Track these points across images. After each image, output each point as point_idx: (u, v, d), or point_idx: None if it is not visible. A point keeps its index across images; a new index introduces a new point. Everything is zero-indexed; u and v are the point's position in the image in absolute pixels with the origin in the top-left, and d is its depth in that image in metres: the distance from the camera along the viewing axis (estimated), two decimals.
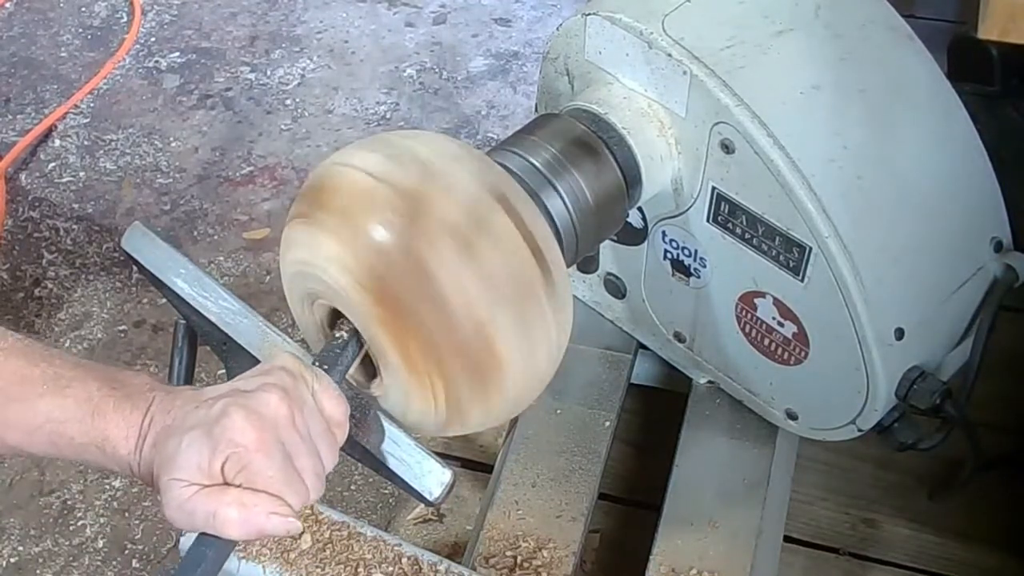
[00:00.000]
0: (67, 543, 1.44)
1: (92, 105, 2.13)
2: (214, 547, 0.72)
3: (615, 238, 1.13)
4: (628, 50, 1.03)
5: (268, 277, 1.78)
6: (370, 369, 0.88)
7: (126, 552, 1.43)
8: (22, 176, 1.98)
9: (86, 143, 2.05)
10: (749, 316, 1.10)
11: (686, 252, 1.11)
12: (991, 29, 0.98)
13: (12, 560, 1.43)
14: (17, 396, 0.76)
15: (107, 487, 1.50)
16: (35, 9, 2.36)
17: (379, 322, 0.82)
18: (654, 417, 1.39)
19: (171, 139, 2.05)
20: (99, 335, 1.70)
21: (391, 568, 1.03)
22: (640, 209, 1.11)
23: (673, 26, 1.01)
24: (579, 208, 1.00)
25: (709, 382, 1.24)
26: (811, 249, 0.98)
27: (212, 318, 0.92)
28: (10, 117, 2.10)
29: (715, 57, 0.99)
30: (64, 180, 1.97)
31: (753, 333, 1.11)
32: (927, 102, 1.07)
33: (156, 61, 2.22)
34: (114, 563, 1.42)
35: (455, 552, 1.31)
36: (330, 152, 1.16)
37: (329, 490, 1.43)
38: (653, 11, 1.02)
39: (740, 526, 1.13)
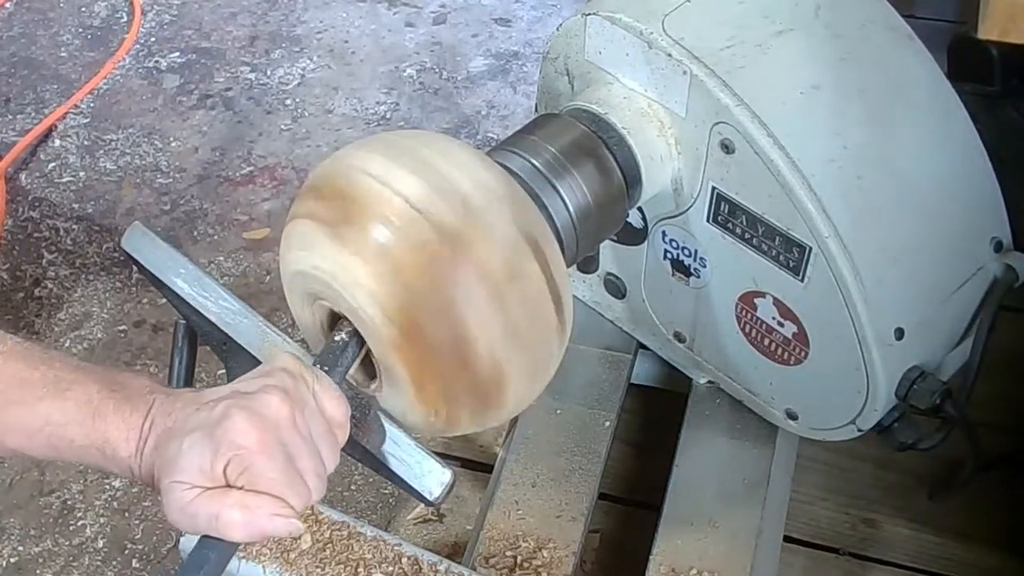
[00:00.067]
0: (67, 543, 1.44)
1: (92, 105, 2.13)
2: (217, 549, 0.72)
3: (615, 238, 1.13)
4: (628, 50, 1.03)
5: (268, 277, 1.78)
6: (369, 369, 0.88)
7: (126, 552, 1.43)
8: (22, 176, 1.98)
9: (86, 143, 2.05)
10: (749, 316, 1.10)
11: (686, 252, 1.11)
12: (991, 29, 0.98)
13: (12, 560, 1.43)
14: (17, 399, 0.76)
15: (107, 487, 1.50)
16: (35, 9, 2.36)
17: (398, 350, 0.82)
18: (654, 417, 1.39)
19: (171, 139, 2.05)
20: (99, 335, 1.70)
21: (391, 568, 1.03)
22: (640, 209, 1.11)
23: (673, 26, 1.01)
24: (579, 208, 1.00)
25: (709, 382, 1.24)
26: (811, 249, 0.98)
27: (212, 318, 0.92)
28: (10, 117, 2.10)
29: (715, 57, 0.99)
30: (64, 180, 1.97)
31: (753, 333, 1.11)
32: (927, 102, 1.07)
33: (156, 61, 2.22)
34: (114, 563, 1.42)
35: (455, 552, 1.31)
36: (330, 152, 1.15)
37: (329, 490, 1.41)
38: (653, 11, 1.02)
39: (740, 526, 1.13)
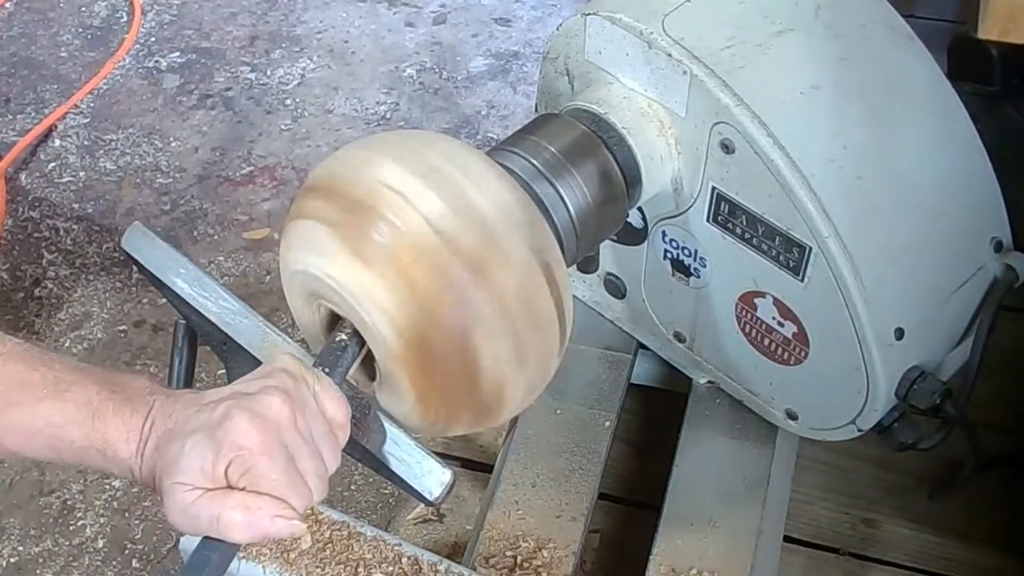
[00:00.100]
0: (67, 543, 1.44)
1: (92, 105, 2.13)
2: (218, 550, 0.72)
3: (615, 238, 1.13)
4: (628, 50, 1.03)
5: (268, 277, 1.78)
6: (369, 369, 0.88)
7: (126, 552, 1.43)
8: (22, 176, 1.98)
9: (86, 143, 2.05)
10: (749, 316, 1.10)
11: (686, 252, 1.11)
12: (991, 29, 0.98)
13: (12, 560, 1.43)
14: (17, 401, 0.76)
15: (107, 487, 1.50)
16: (35, 9, 2.36)
17: (405, 365, 0.83)
18: (654, 417, 1.39)
19: (171, 139, 2.05)
20: (99, 335, 1.70)
21: (391, 568, 1.03)
22: (640, 209, 1.11)
23: (673, 26, 1.01)
24: (579, 208, 1.00)
25: (709, 382, 1.24)
26: (811, 249, 0.98)
27: (212, 318, 0.92)
28: (10, 117, 2.10)
29: (715, 57, 0.99)
30: (64, 180, 1.97)
31: (753, 333, 1.11)
32: (927, 102, 1.07)
33: (156, 61, 2.22)
34: (114, 563, 1.42)
35: (455, 552, 1.31)
36: (330, 152, 1.15)
37: (329, 490, 1.42)
38: (653, 11, 1.02)
39: (740, 526, 1.13)
